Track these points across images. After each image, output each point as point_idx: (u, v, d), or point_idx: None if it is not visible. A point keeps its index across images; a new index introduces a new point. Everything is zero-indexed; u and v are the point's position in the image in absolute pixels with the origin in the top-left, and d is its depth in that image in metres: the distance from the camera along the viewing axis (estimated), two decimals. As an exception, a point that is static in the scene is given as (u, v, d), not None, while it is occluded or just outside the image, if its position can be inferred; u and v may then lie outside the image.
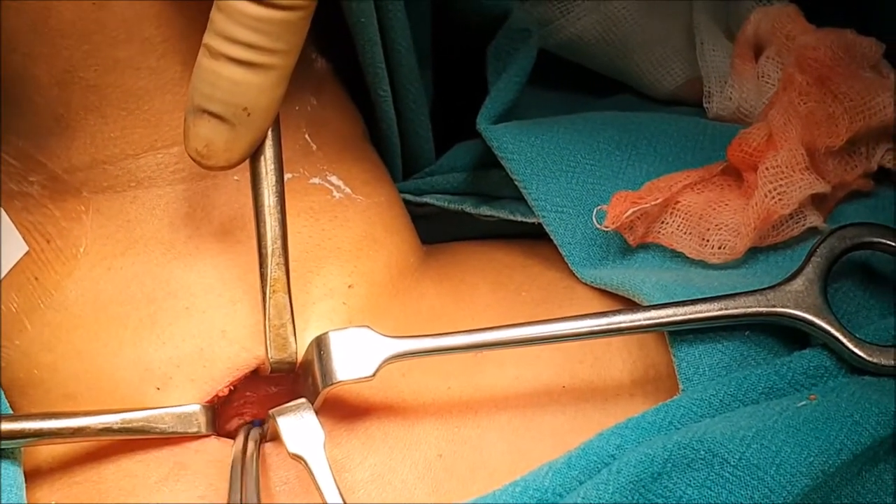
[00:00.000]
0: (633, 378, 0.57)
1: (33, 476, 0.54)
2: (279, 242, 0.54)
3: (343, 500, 0.49)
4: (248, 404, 0.57)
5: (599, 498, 0.48)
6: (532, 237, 0.66)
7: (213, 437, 0.55)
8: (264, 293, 0.54)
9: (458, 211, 0.68)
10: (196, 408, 0.54)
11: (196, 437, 0.54)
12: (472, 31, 0.72)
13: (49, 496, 0.54)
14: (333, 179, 0.60)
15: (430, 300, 0.61)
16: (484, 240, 0.68)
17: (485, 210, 0.67)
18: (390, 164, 0.68)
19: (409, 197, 0.68)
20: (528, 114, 0.69)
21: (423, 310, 0.60)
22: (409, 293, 0.60)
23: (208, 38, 0.50)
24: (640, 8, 0.73)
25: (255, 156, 0.54)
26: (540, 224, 0.63)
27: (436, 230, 0.69)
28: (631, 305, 0.58)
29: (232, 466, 0.51)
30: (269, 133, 0.53)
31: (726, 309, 0.54)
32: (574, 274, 0.61)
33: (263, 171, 0.54)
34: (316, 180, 0.60)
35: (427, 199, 0.69)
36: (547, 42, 0.74)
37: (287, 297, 0.54)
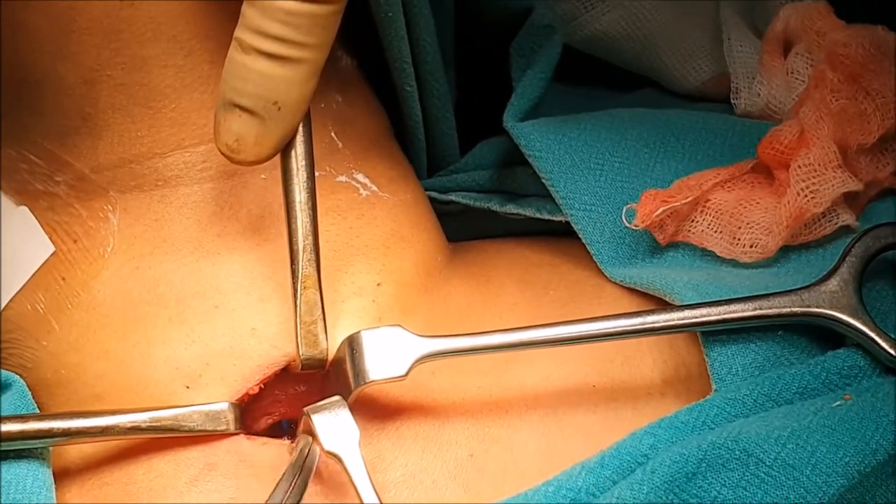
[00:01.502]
0: (664, 377, 0.56)
1: (62, 476, 0.54)
2: (310, 239, 0.53)
3: (379, 499, 0.49)
4: (277, 402, 0.57)
5: (634, 498, 0.48)
6: (558, 235, 0.65)
7: (241, 435, 0.54)
8: (295, 290, 0.53)
9: (484, 209, 0.67)
10: (224, 406, 0.54)
11: (225, 435, 0.54)
12: (494, 27, 0.72)
13: (79, 497, 0.54)
14: (360, 177, 0.60)
15: (457, 298, 0.60)
16: (510, 237, 0.67)
17: (511, 208, 0.66)
18: (415, 161, 0.68)
19: (434, 194, 0.68)
20: (553, 110, 0.68)
21: (451, 308, 0.59)
22: (437, 291, 0.60)
23: (240, 32, 0.50)
24: (666, 3, 0.73)
25: (285, 151, 0.53)
26: (566, 222, 0.62)
27: (461, 228, 0.68)
28: (662, 305, 0.57)
29: (290, 467, 0.51)
30: (300, 129, 0.53)
31: (760, 309, 0.53)
32: (602, 272, 0.61)
33: (294, 166, 0.53)
34: (343, 178, 0.59)
35: (452, 196, 0.68)
36: (571, 38, 0.73)
37: (318, 293, 0.53)
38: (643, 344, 0.57)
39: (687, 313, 0.53)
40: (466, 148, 0.72)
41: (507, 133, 0.65)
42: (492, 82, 0.74)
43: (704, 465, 0.49)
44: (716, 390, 0.53)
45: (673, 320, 0.53)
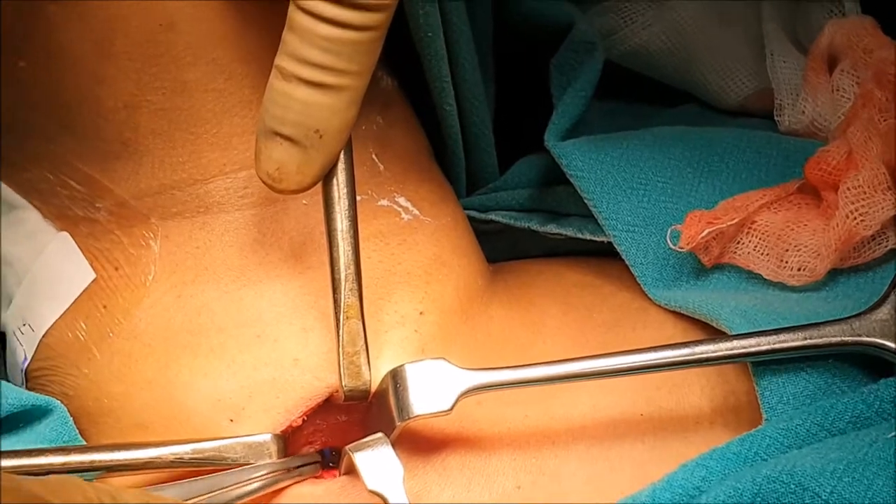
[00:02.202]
0: (713, 406, 0.55)
1: (105, 508, 0.53)
2: (352, 268, 0.53)
3: (424, 536, 0.49)
4: (319, 432, 0.56)
5: None
6: (598, 255, 0.64)
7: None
8: (337, 320, 0.53)
9: (524, 228, 0.66)
10: (267, 437, 0.53)
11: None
12: (533, 43, 0.71)
13: None
14: (401, 201, 0.59)
15: (499, 324, 0.59)
16: (550, 258, 0.66)
17: (551, 228, 0.65)
18: (454, 179, 0.67)
19: (473, 213, 0.67)
20: (593, 126, 0.68)
21: (494, 334, 0.59)
22: (479, 317, 0.59)
23: (280, 60, 0.49)
24: (706, 17, 0.72)
25: (327, 179, 0.52)
26: (608, 242, 0.61)
27: (500, 247, 0.67)
28: (708, 330, 0.56)
29: None
30: (342, 155, 0.52)
31: (811, 338, 0.52)
32: (646, 295, 0.60)
33: (336, 194, 0.53)
34: (384, 202, 0.59)
35: (492, 215, 0.67)
36: (610, 52, 0.72)
37: (361, 323, 0.53)
38: (691, 371, 0.56)
39: (736, 343, 0.52)
40: (503, 164, 0.71)
41: (545, 150, 0.65)
42: (528, 98, 0.73)
43: (759, 499, 0.48)
44: (767, 420, 0.52)
45: (722, 350, 0.52)
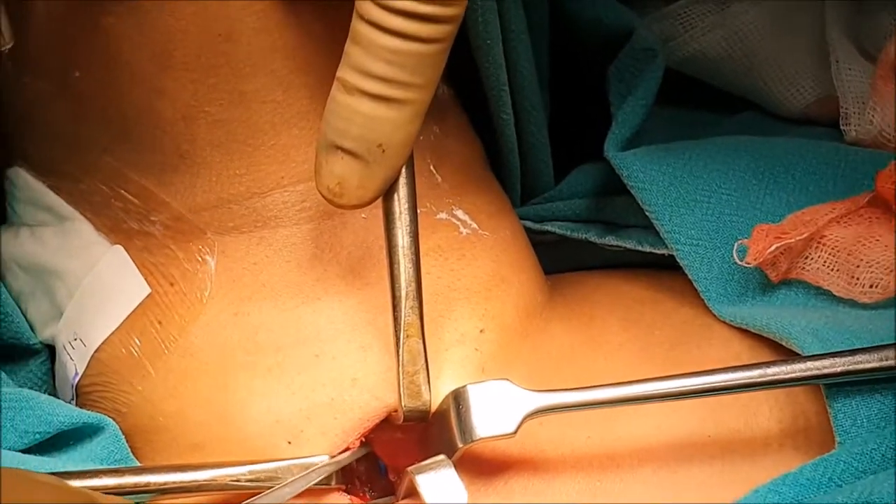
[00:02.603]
0: (782, 427, 0.54)
1: (159, 531, 0.52)
2: (413, 285, 0.51)
3: (489, 563, 0.47)
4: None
5: None
6: (658, 267, 0.63)
7: (341, 491, 0.53)
8: (397, 339, 0.51)
9: (581, 239, 0.65)
10: (324, 458, 0.52)
11: (326, 490, 0.52)
12: (591, 50, 0.69)
13: None
14: (460, 214, 0.58)
15: (560, 341, 0.58)
16: (608, 270, 0.65)
17: (610, 239, 0.64)
18: (509, 189, 0.66)
19: (529, 224, 0.65)
20: (652, 134, 0.66)
21: (554, 352, 0.57)
22: (538, 335, 0.58)
23: (343, 73, 0.48)
24: (768, 23, 0.70)
25: (388, 194, 0.51)
26: (670, 255, 0.60)
27: (556, 258, 0.66)
28: (774, 347, 0.55)
29: None
30: (403, 170, 0.51)
31: (887, 360, 0.50)
32: (710, 311, 0.58)
33: (397, 210, 0.51)
34: (443, 216, 0.57)
35: (548, 226, 0.66)
36: (669, 58, 0.71)
37: (421, 342, 0.52)
38: (760, 391, 0.54)
39: (809, 364, 0.51)
40: (558, 174, 0.70)
41: (602, 159, 0.63)
42: (584, 104, 0.72)
43: None
44: (840, 443, 0.51)
45: (796, 372, 0.51)
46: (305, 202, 0.55)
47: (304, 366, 0.53)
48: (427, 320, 0.52)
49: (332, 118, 0.48)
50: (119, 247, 0.56)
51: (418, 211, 0.55)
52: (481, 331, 0.56)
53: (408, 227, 0.51)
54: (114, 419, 0.54)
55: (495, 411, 0.50)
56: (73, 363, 0.57)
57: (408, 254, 0.51)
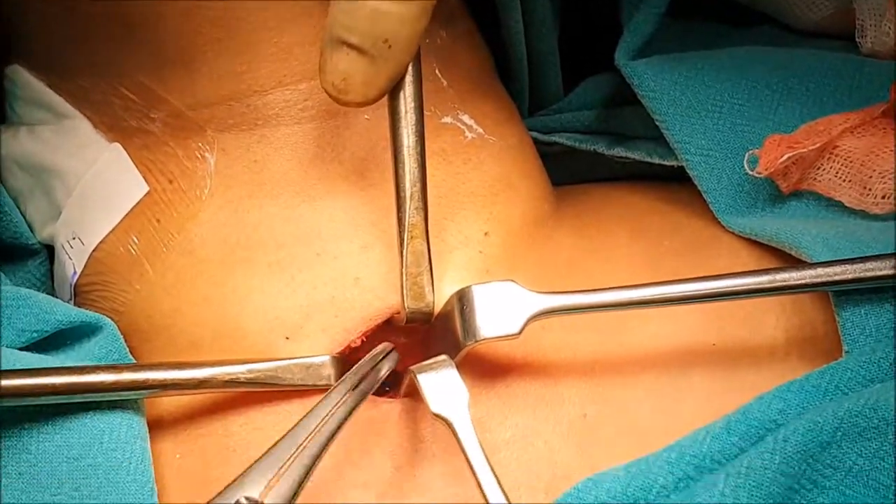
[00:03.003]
0: (788, 336, 0.53)
1: (156, 427, 0.52)
2: (418, 186, 0.50)
3: (489, 464, 0.47)
4: (377, 355, 0.54)
5: (765, 467, 0.45)
6: (666, 179, 0.62)
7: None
8: (402, 239, 0.50)
9: (590, 151, 0.64)
10: (325, 359, 0.52)
11: (324, 389, 0.51)
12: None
13: (173, 448, 0.52)
14: (465, 118, 0.57)
15: (566, 249, 0.57)
16: (616, 182, 0.64)
17: (619, 151, 0.63)
18: (517, 99, 0.64)
19: (536, 135, 0.64)
20: (664, 46, 0.65)
21: (560, 260, 0.56)
22: (545, 242, 0.57)
23: None
24: (784, -67, 0.68)
25: (393, 92, 0.50)
26: (679, 167, 0.59)
27: (563, 170, 0.65)
28: (784, 259, 0.54)
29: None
30: (409, 69, 0.50)
31: (899, 267, 0.49)
32: (718, 222, 0.57)
33: (403, 108, 0.50)
34: (448, 119, 0.56)
35: (556, 137, 0.65)
36: (683, -31, 0.69)
37: (425, 243, 0.51)
38: (766, 300, 0.53)
39: (820, 271, 0.50)
40: (567, 87, 0.69)
41: (612, 70, 0.62)
42: (593, 15, 0.70)
43: (840, 433, 0.46)
44: (847, 352, 0.50)
45: (806, 278, 0.49)
46: (307, 101, 0.53)
47: (304, 264, 0.53)
48: (431, 223, 0.51)
49: (338, 13, 0.47)
50: (117, 145, 0.55)
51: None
52: (486, 234, 0.55)
53: (413, 127, 0.50)
54: (112, 318, 0.54)
55: (500, 312, 0.49)
56: (72, 262, 0.56)
57: (413, 153, 0.50)
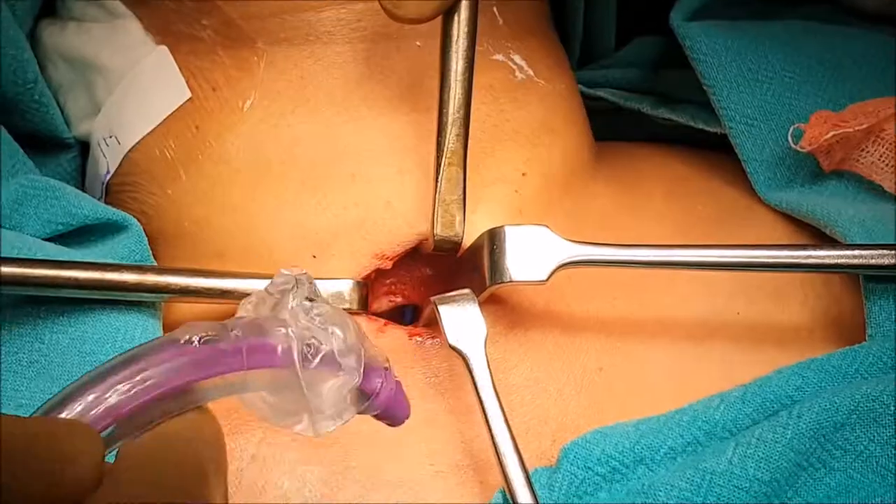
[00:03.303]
0: (814, 315, 0.53)
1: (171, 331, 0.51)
2: (462, 112, 0.50)
3: (500, 403, 0.47)
4: (401, 284, 0.54)
5: (776, 441, 0.45)
6: (708, 147, 0.61)
7: (363, 315, 0.52)
8: (438, 164, 0.50)
9: (633, 109, 0.63)
10: (349, 283, 0.51)
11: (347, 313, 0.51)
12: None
13: None
14: (517, 59, 0.56)
15: (601, 202, 0.57)
16: (656, 143, 0.63)
17: (663, 112, 0.62)
18: (568, 51, 0.64)
19: (582, 88, 0.64)
20: (719, 14, 0.64)
21: (594, 211, 0.56)
22: (581, 191, 0.56)
23: None
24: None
25: (448, 14, 0.49)
26: (721, 134, 0.58)
27: (605, 126, 0.64)
28: (818, 237, 0.54)
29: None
30: None
31: (934, 255, 0.49)
32: (755, 193, 0.57)
33: (455, 33, 0.49)
34: (499, 57, 0.55)
35: (601, 92, 0.64)
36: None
37: (462, 172, 0.50)
38: (796, 277, 0.53)
39: (857, 252, 0.49)
40: (618, 45, 0.68)
41: (664, 33, 0.61)
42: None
43: (855, 416, 0.46)
44: (871, 336, 0.50)
45: (842, 258, 0.49)
46: (361, 21, 0.53)
47: (338, 183, 0.52)
48: (469, 155, 0.51)
49: None
50: (164, 48, 0.54)
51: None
52: (523, 174, 0.54)
53: (464, 53, 0.50)
54: (139, 221, 0.53)
55: (530, 256, 0.49)
56: (106, 161, 0.56)
57: (461, 79, 0.50)
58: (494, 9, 0.56)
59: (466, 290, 0.49)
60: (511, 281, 0.49)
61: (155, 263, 0.53)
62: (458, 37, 0.49)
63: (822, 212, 0.53)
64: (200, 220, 0.53)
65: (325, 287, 0.51)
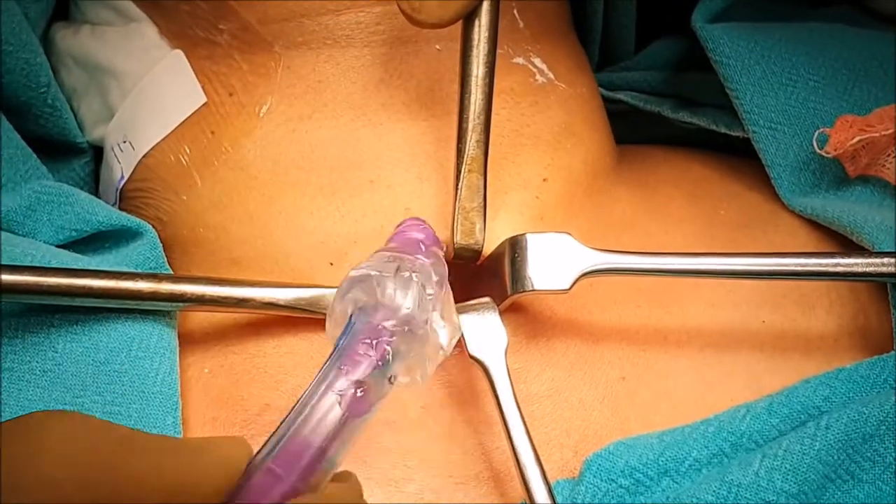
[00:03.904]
0: (841, 323, 0.52)
1: (186, 340, 0.51)
2: (482, 118, 0.49)
3: (521, 414, 0.46)
4: (420, 291, 0.53)
5: (803, 452, 0.44)
6: (729, 151, 0.60)
7: None
8: (459, 171, 0.49)
9: (654, 112, 0.62)
10: (368, 292, 0.50)
11: None
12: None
13: (202, 363, 0.51)
14: (537, 62, 0.55)
15: (622, 206, 0.56)
16: (677, 147, 0.62)
17: (684, 115, 0.61)
18: (588, 53, 0.63)
19: (602, 91, 0.63)
20: (741, 15, 0.63)
21: (616, 216, 0.55)
22: (603, 196, 0.55)
23: None
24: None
25: (469, 19, 0.48)
26: (744, 139, 0.57)
27: (625, 129, 0.63)
28: (843, 243, 0.53)
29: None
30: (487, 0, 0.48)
31: (965, 266, 0.48)
32: (778, 198, 0.56)
33: (476, 37, 0.49)
34: (519, 60, 0.55)
35: (622, 95, 0.63)
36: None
37: (482, 179, 0.49)
38: (822, 285, 0.52)
39: (887, 261, 0.48)
40: (638, 48, 0.67)
41: (685, 34, 0.60)
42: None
43: (884, 427, 0.45)
44: (898, 346, 0.49)
45: (872, 266, 0.48)
46: (380, 24, 0.52)
47: (357, 190, 0.51)
48: (490, 160, 0.50)
49: None
50: (179, 51, 0.54)
51: (495, 52, 0.52)
52: (545, 179, 0.54)
53: (485, 58, 0.49)
54: (154, 227, 0.53)
55: (552, 265, 0.48)
56: (120, 166, 0.56)
57: (481, 85, 0.49)
58: (515, 11, 0.55)
59: (486, 299, 0.48)
60: (533, 290, 0.48)
61: (169, 269, 0.52)
62: (478, 41, 0.48)
63: (849, 218, 0.52)
64: (216, 227, 0.52)
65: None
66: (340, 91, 0.52)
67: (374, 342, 0.42)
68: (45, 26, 0.58)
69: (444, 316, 0.44)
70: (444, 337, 0.44)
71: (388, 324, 0.42)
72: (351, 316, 0.43)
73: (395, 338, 0.42)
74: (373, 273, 0.43)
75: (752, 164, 0.58)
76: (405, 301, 0.43)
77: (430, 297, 0.43)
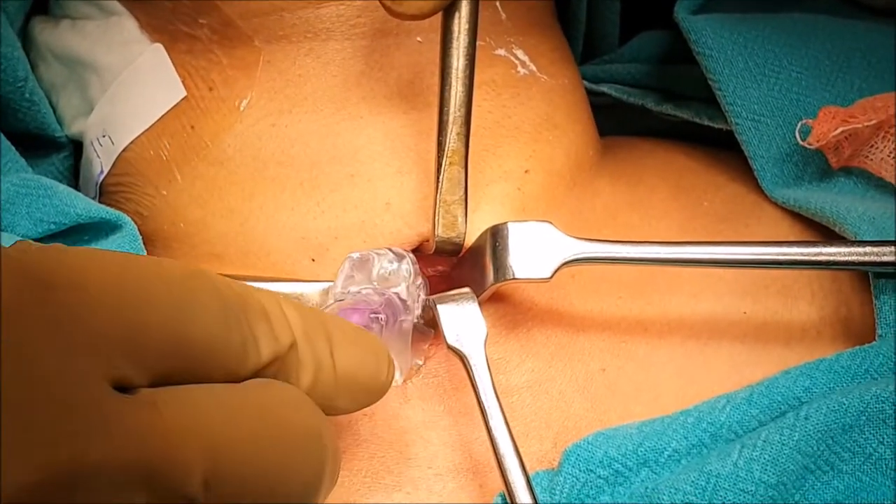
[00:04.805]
0: (823, 314, 0.52)
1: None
2: (463, 111, 0.49)
3: (500, 405, 0.46)
4: (402, 285, 0.53)
5: (783, 443, 0.44)
6: (713, 144, 0.60)
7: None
8: (439, 164, 0.49)
9: (637, 105, 0.62)
10: (349, 285, 0.50)
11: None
12: None
13: None
14: (519, 53, 0.55)
15: (605, 198, 0.56)
16: (660, 139, 0.62)
17: (667, 108, 0.61)
18: (572, 45, 0.63)
19: (585, 84, 0.63)
20: (724, 6, 0.63)
21: (598, 207, 0.55)
22: (585, 188, 0.55)
23: None
24: None
25: (449, 10, 0.48)
26: (727, 131, 0.57)
27: (608, 122, 0.63)
28: (826, 234, 0.53)
29: None
30: None
31: (946, 253, 0.48)
32: (761, 190, 0.56)
33: (456, 29, 0.48)
34: (501, 52, 0.54)
35: (605, 88, 0.63)
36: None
37: (463, 171, 0.49)
38: (803, 275, 0.52)
39: (867, 249, 0.48)
40: (621, 40, 0.67)
41: (670, 27, 0.60)
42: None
43: (864, 418, 0.45)
44: (881, 336, 0.49)
45: (853, 255, 0.48)
46: (360, 17, 0.52)
47: (337, 184, 0.51)
48: (471, 152, 0.50)
49: None
50: (159, 45, 0.53)
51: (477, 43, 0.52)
52: (526, 171, 0.53)
53: (465, 50, 0.49)
54: (135, 222, 0.52)
55: (533, 253, 0.48)
56: (100, 161, 0.55)
57: (461, 77, 0.49)
58: (497, 3, 0.55)
59: (466, 289, 0.48)
60: (514, 278, 0.48)
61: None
62: (459, 33, 0.48)
63: (831, 209, 0.52)
64: (197, 222, 0.52)
65: (323, 290, 0.50)
66: (321, 84, 0.52)
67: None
68: (23, 21, 0.58)
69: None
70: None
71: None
72: None
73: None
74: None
75: (735, 156, 0.57)
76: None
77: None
